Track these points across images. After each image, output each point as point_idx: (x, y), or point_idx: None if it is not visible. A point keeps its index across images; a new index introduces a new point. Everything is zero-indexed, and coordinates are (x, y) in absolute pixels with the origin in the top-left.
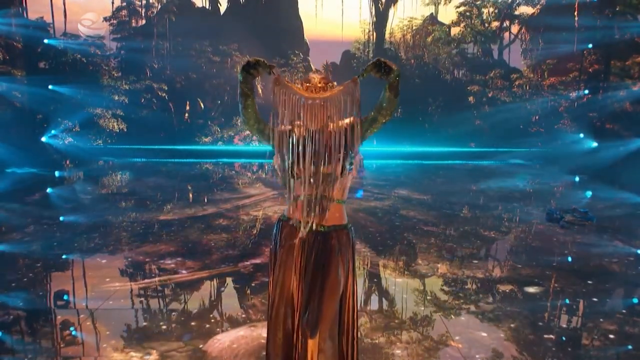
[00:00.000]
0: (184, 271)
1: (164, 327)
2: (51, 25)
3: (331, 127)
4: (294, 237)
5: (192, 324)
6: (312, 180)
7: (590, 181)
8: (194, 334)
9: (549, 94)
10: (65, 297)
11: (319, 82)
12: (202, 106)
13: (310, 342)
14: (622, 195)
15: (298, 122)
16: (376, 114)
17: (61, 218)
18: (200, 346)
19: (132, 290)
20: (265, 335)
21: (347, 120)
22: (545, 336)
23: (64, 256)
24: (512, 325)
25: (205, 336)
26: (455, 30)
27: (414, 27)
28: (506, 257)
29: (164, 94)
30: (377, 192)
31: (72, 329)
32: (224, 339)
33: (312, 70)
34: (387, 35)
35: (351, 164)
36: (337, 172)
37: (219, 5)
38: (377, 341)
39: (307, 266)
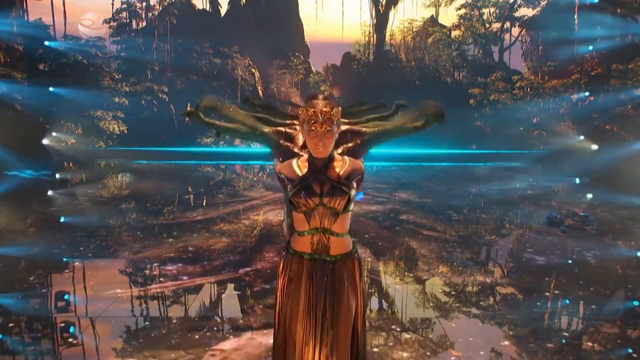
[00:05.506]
0: (184, 277)
1: (165, 334)
2: (51, 27)
3: (336, 159)
4: (301, 269)
5: (193, 331)
6: (314, 212)
7: (591, 184)
8: (194, 341)
9: (550, 96)
10: (65, 304)
11: (324, 107)
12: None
13: None
14: (622, 198)
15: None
16: (395, 129)
17: (61, 220)
18: (201, 355)
19: (132, 296)
20: (265, 343)
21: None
22: (546, 342)
23: (64, 259)
24: (512, 332)
25: (206, 344)
26: (455, 32)
27: (414, 29)
28: (506, 261)
29: (164, 96)
30: (377, 195)
31: (72, 331)
32: (225, 347)
33: (311, 72)
34: (387, 37)
35: (351, 200)
36: (339, 207)
37: (219, 7)
38: (376, 346)
39: (317, 298)
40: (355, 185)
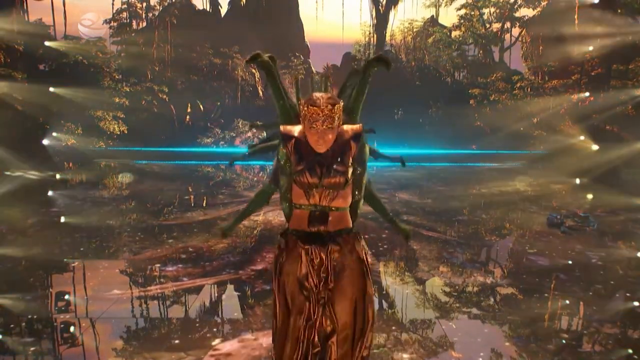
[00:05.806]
0: (185, 278)
1: (165, 335)
2: (52, 27)
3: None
4: (299, 248)
5: (194, 332)
6: (314, 190)
7: (591, 184)
8: (195, 342)
9: (550, 96)
10: (65, 304)
11: (325, 104)
12: (202, 108)
13: (327, 346)
14: (622, 199)
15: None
16: (375, 201)
17: (62, 220)
18: (202, 356)
19: (132, 297)
20: (265, 344)
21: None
22: (547, 343)
23: (64, 260)
24: (512, 333)
25: (206, 345)
26: (456, 33)
27: (414, 30)
28: (507, 262)
29: (164, 96)
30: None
31: (72, 332)
32: (226, 348)
33: (312, 72)
34: (387, 38)
35: (354, 172)
36: (339, 184)
37: (219, 7)
38: (376, 347)
39: (316, 273)
40: (351, 161)
